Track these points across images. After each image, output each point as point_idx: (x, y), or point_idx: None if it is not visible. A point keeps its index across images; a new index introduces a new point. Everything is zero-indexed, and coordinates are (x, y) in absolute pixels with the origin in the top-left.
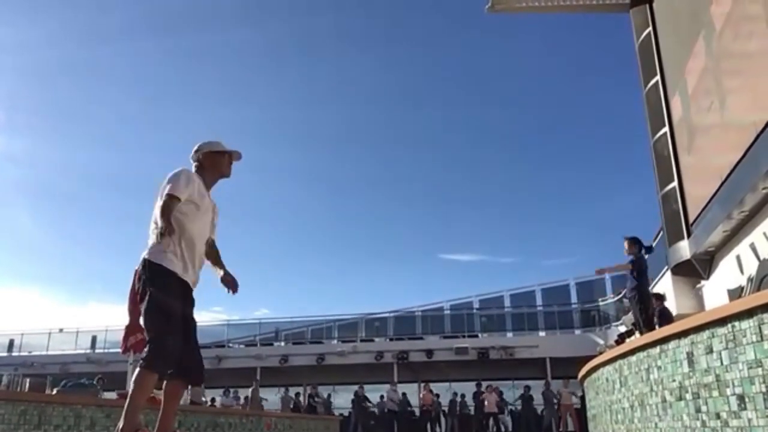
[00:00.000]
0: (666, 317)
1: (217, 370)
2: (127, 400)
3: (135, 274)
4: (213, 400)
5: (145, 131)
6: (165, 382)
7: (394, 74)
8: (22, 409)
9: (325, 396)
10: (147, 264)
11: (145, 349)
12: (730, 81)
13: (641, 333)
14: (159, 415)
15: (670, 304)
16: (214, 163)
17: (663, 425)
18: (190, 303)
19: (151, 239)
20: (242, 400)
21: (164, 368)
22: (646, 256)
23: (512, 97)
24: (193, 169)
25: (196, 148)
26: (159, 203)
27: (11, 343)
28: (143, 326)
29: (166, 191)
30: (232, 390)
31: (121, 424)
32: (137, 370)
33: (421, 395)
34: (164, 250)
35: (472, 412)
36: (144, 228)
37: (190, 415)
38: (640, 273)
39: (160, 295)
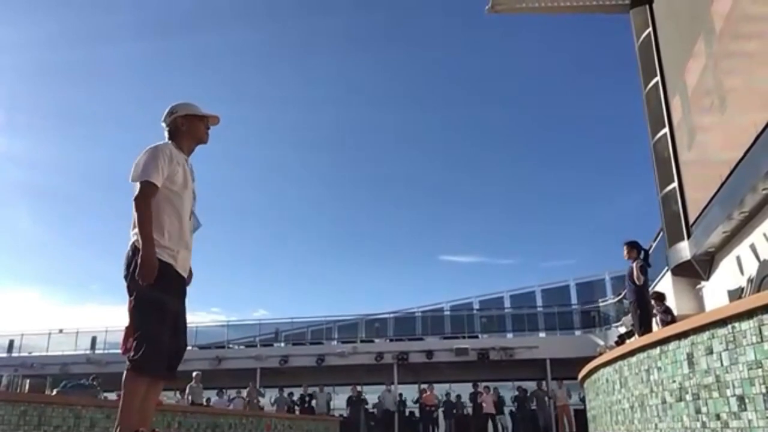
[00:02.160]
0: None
1: (217, 371)
2: (120, 404)
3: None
4: (208, 400)
5: (145, 131)
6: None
7: (394, 74)
8: (22, 410)
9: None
10: (137, 252)
11: (134, 348)
12: (730, 81)
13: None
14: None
15: (670, 305)
16: (191, 128)
17: (663, 426)
18: (183, 296)
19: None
20: (239, 401)
21: (155, 370)
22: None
23: (512, 97)
24: (166, 135)
25: (169, 110)
26: (135, 194)
27: (11, 344)
28: (132, 324)
29: (141, 177)
30: (228, 391)
31: (117, 429)
32: (125, 372)
33: (422, 395)
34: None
35: (471, 413)
36: None
37: (190, 415)
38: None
39: (153, 290)
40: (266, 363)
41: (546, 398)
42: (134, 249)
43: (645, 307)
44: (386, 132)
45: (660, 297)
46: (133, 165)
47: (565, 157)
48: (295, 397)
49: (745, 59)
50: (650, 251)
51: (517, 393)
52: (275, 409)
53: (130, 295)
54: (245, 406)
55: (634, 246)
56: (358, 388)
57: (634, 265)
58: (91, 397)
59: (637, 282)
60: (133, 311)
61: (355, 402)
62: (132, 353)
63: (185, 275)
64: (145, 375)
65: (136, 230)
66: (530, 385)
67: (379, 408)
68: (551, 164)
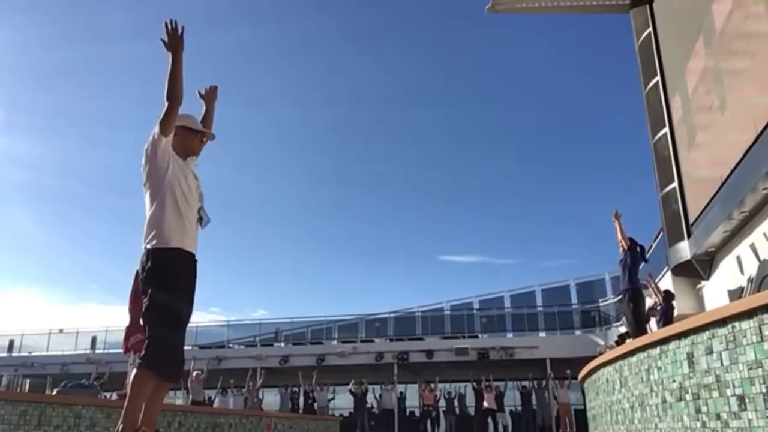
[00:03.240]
0: (668, 318)
1: (217, 371)
2: (126, 402)
3: (136, 274)
4: (209, 399)
5: (145, 132)
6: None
7: (393, 74)
8: (22, 410)
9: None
10: (151, 254)
11: (145, 347)
12: (730, 81)
13: (632, 333)
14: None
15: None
16: (185, 139)
17: (663, 426)
18: (194, 287)
19: (149, 225)
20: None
21: (165, 368)
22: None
23: (512, 97)
24: None
25: None
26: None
27: (11, 344)
28: (143, 323)
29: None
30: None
31: (120, 426)
32: (135, 370)
33: (421, 394)
34: (166, 230)
35: (473, 413)
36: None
37: (190, 415)
38: (631, 269)
39: (164, 289)
40: (266, 363)
41: (546, 396)
42: (147, 253)
43: (637, 301)
44: (386, 132)
45: (668, 295)
46: (146, 150)
47: (566, 157)
48: (291, 393)
49: (746, 59)
50: (649, 250)
51: (521, 391)
52: (279, 405)
53: (144, 296)
54: (245, 405)
55: (630, 241)
56: (363, 384)
57: (616, 223)
58: (91, 397)
59: (624, 243)
60: (146, 312)
61: (360, 399)
62: (142, 352)
63: (195, 256)
64: (155, 373)
65: (153, 233)
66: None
67: (379, 407)
68: (551, 164)
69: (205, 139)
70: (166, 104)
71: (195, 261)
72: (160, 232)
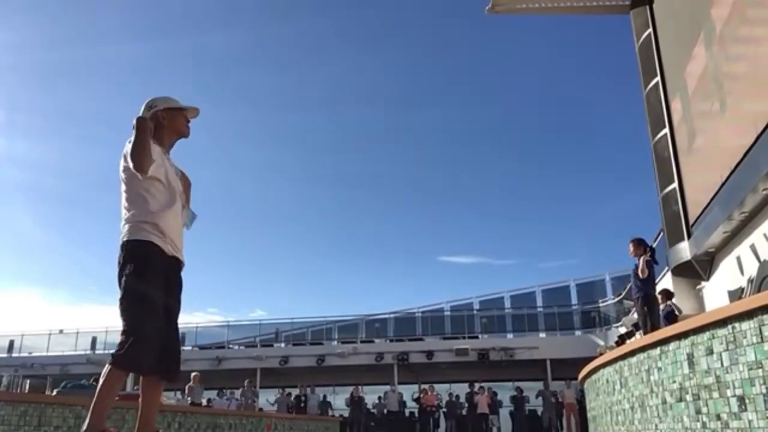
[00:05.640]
0: (672, 318)
1: (217, 371)
2: (94, 399)
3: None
4: (209, 401)
5: None
6: (141, 378)
7: (393, 74)
8: (22, 410)
9: (321, 397)
10: (123, 245)
11: (119, 344)
12: (730, 81)
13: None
14: (138, 413)
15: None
16: (172, 122)
17: (663, 426)
18: (176, 283)
19: (124, 220)
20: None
21: (139, 365)
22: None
23: (512, 97)
24: None
25: (148, 104)
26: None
27: (11, 344)
28: (120, 317)
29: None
30: (227, 391)
31: (85, 426)
32: (107, 366)
33: (422, 395)
34: (140, 225)
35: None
36: None
37: (190, 415)
38: (647, 275)
39: (138, 279)
40: (266, 363)
41: (551, 398)
42: (122, 245)
43: (651, 305)
44: (386, 132)
45: (668, 295)
46: (123, 157)
47: (566, 157)
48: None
49: (746, 59)
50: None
51: (515, 394)
52: (276, 409)
53: (120, 289)
54: (242, 407)
55: (640, 243)
56: (359, 389)
57: (641, 259)
58: (91, 398)
59: (641, 275)
60: (121, 306)
61: (356, 403)
62: (116, 348)
63: (179, 256)
64: (126, 371)
65: (126, 228)
66: (531, 386)
67: (379, 409)
68: (551, 164)
69: (190, 117)
70: (131, 164)
71: (177, 261)
72: (134, 226)
